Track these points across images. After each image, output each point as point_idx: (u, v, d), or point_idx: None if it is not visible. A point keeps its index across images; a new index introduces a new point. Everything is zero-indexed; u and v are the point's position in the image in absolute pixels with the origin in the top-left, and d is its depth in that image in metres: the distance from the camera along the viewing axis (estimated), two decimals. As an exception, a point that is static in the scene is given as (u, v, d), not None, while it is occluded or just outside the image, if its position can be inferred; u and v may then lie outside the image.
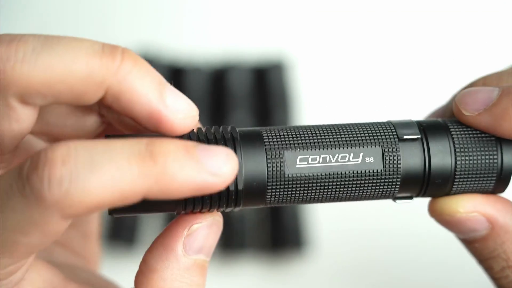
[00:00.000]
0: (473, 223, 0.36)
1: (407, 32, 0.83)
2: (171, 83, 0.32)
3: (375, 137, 0.34)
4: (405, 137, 0.35)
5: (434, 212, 0.36)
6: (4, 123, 0.31)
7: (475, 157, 0.35)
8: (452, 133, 0.35)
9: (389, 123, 0.35)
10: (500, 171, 0.35)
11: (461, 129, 0.35)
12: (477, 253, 0.37)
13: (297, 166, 0.34)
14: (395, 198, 0.35)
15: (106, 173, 0.28)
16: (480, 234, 0.36)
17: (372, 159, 0.34)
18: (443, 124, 0.36)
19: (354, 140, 0.34)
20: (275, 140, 0.34)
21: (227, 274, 0.71)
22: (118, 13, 0.85)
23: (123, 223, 0.72)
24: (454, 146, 0.35)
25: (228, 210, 0.34)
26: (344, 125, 0.35)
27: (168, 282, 0.33)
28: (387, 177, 0.34)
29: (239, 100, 0.76)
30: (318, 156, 0.34)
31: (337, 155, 0.34)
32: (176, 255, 0.33)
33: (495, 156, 0.35)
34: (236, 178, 0.32)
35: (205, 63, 0.79)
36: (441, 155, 0.35)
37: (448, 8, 0.84)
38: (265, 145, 0.33)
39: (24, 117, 0.31)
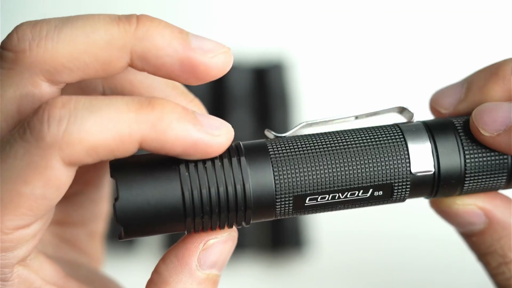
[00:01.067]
0: (470, 215, 0.36)
1: (407, 31, 0.83)
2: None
3: (387, 175, 0.34)
4: (418, 174, 0.34)
5: (433, 203, 0.37)
6: (28, 100, 0.31)
7: (484, 160, 0.34)
8: (462, 138, 0.34)
9: (403, 148, 0.34)
10: (510, 170, 0.35)
11: (470, 134, 0.35)
12: (475, 247, 0.37)
13: (306, 204, 0.33)
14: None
15: (104, 114, 0.29)
16: (477, 228, 0.36)
17: (381, 192, 0.34)
18: (453, 131, 0.35)
19: (366, 180, 0.33)
20: (281, 157, 0.33)
21: (227, 274, 0.71)
22: (118, 13, 0.85)
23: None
24: (465, 154, 0.34)
25: (239, 226, 0.33)
26: (354, 149, 0.34)
27: None
28: (393, 201, 0.35)
29: (239, 100, 0.76)
30: (327, 196, 0.33)
31: (346, 193, 0.34)
32: (190, 270, 0.33)
33: (505, 156, 0.35)
34: (245, 195, 0.32)
35: (205, 63, 0.79)
36: (452, 172, 0.34)
37: (448, 8, 0.84)
38: (270, 157, 0.33)
39: (46, 96, 0.31)
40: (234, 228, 0.34)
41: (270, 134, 0.35)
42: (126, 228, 0.32)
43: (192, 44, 0.32)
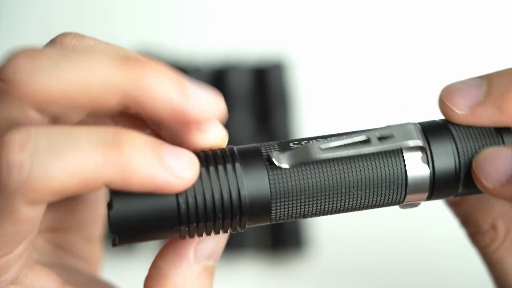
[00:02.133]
0: None
1: (408, 32, 0.83)
2: (189, 75, 0.32)
3: (383, 200, 0.34)
4: (413, 196, 0.34)
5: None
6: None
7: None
8: (460, 157, 0.34)
9: (400, 165, 0.33)
10: None
11: (467, 145, 0.34)
12: (457, 215, 0.38)
13: None
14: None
15: (69, 158, 0.28)
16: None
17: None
18: (453, 152, 0.34)
19: (363, 204, 0.34)
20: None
21: (227, 273, 0.71)
22: (119, 13, 0.85)
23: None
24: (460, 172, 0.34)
25: (234, 231, 0.33)
26: (352, 187, 0.33)
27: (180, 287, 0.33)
28: (389, 204, 0.35)
29: (239, 100, 0.76)
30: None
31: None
32: (188, 262, 0.33)
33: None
34: (240, 202, 0.32)
35: (205, 63, 0.79)
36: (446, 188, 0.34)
37: (448, 9, 0.84)
38: (265, 165, 0.33)
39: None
40: None
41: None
42: (121, 236, 0.32)
43: (189, 95, 0.31)
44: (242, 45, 0.81)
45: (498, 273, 0.37)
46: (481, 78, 0.35)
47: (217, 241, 0.34)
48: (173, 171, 0.30)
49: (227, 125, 0.34)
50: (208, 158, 0.32)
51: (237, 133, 0.75)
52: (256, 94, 0.78)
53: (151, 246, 0.71)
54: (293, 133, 0.76)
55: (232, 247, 0.70)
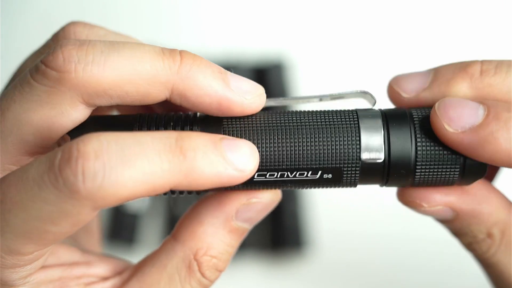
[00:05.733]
0: (439, 213, 0.37)
1: (406, 32, 0.83)
2: (230, 70, 0.34)
3: (336, 159, 0.34)
4: (368, 161, 0.34)
5: (402, 201, 0.37)
6: (62, 120, 0.32)
7: (437, 156, 0.34)
8: (417, 131, 0.34)
9: (355, 135, 0.34)
10: (462, 170, 0.35)
11: (426, 128, 0.34)
12: (449, 228, 0.38)
13: (254, 179, 0.34)
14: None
15: (138, 167, 0.29)
16: (448, 218, 0.37)
17: (330, 176, 0.34)
18: (409, 122, 0.35)
19: (314, 162, 0.34)
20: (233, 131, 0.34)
21: (227, 273, 0.71)
22: (119, 13, 0.85)
23: (123, 223, 0.72)
24: (416, 147, 0.34)
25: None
26: (307, 130, 0.34)
27: (209, 236, 0.35)
28: (344, 185, 0.35)
29: (239, 100, 0.76)
30: (276, 173, 0.34)
31: (295, 172, 0.34)
32: (226, 217, 0.35)
33: (458, 157, 0.34)
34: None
35: (205, 63, 0.79)
36: (402, 162, 0.34)
37: (449, 9, 0.84)
38: (223, 128, 0.34)
39: (79, 117, 0.32)
40: (278, 192, 0.36)
41: None
42: None
43: (232, 85, 0.33)
44: (242, 45, 0.82)
45: (497, 274, 0.38)
46: (429, 69, 0.37)
47: (261, 209, 0.35)
48: (236, 165, 0.31)
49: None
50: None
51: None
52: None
53: (151, 244, 0.71)
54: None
55: (232, 247, 0.70)
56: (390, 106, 0.37)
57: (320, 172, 0.34)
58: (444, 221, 0.38)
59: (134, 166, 0.29)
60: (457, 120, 0.34)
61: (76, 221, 0.29)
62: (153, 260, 0.35)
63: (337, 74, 0.81)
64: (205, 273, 0.35)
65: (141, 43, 0.32)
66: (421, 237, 0.69)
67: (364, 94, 0.36)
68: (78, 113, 0.32)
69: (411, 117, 0.35)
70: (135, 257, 0.72)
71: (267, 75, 0.78)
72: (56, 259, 0.35)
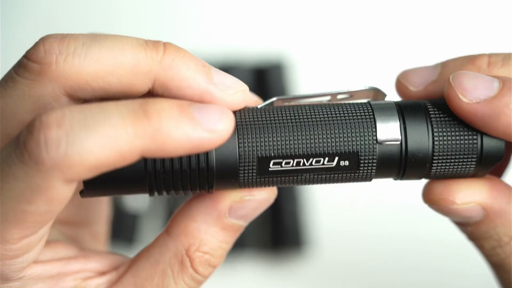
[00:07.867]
0: (470, 212, 0.36)
1: (406, 32, 0.83)
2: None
3: (352, 142, 0.34)
4: (385, 142, 0.34)
5: (430, 201, 0.36)
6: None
7: (453, 139, 0.34)
8: (432, 117, 0.34)
9: (371, 121, 0.34)
10: (480, 153, 0.34)
11: (440, 114, 0.34)
12: (469, 234, 0.37)
13: (270, 169, 0.34)
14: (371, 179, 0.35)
15: (102, 132, 0.28)
16: (474, 220, 0.36)
17: (347, 162, 0.34)
18: (423, 110, 0.35)
19: (331, 146, 0.34)
20: (247, 123, 0.34)
21: (227, 273, 0.71)
22: (119, 14, 0.85)
23: (123, 223, 0.72)
24: (433, 132, 0.34)
25: (201, 192, 0.34)
26: (321, 120, 0.34)
27: (201, 233, 0.35)
28: (361, 175, 0.34)
29: (239, 100, 0.76)
30: (292, 161, 0.34)
31: (311, 159, 0.34)
32: (219, 214, 0.35)
33: (475, 137, 0.34)
34: (207, 160, 0.32)
35: (205, 63, 0.79)
36: (419, 145, 0.34)
37: (449, 10, 0.84)
38: (236, 123, 0.33)
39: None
40: (274, 189, 0.35)
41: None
42: (87, 185, 0.32)
43: (215, 79, 0.32)
44: (242, 45, 0.82)
45: None
46: (437, 63, 0.37)
47: (255, 207, 0.35)
48: (206, 126, 0.30)
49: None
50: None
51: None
52: (256, 94, 0.77)
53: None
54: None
55: (232, 246, 0.70)
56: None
57: (336, 158, 0.34)
58: (467, 224, 0.36)
59: (98, 131, 0.28)
60: (472, 91, 0.33)
61: (50, 197, 0.29)
62: (147, 255, 0.35)
63: (337, 74, 0.81)
64: (197, 269, 0.35)
65: (124, 36, 0.32)
66: (421, 237, 0.69)
67: (375, 90, 0.37)
68: (63, 106, 0.31)
69: (425, 107, 0.35)
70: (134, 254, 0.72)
71: (267, 75, 0.78)
72: (53, 254, 0.35)
